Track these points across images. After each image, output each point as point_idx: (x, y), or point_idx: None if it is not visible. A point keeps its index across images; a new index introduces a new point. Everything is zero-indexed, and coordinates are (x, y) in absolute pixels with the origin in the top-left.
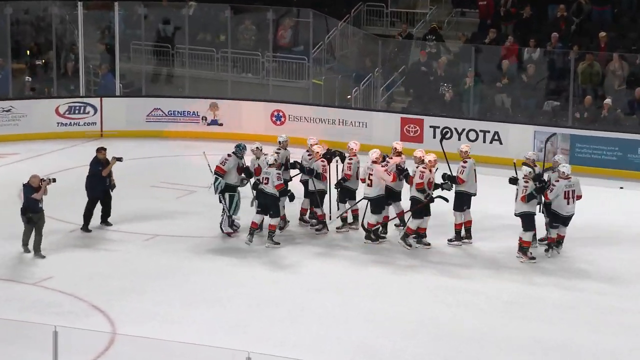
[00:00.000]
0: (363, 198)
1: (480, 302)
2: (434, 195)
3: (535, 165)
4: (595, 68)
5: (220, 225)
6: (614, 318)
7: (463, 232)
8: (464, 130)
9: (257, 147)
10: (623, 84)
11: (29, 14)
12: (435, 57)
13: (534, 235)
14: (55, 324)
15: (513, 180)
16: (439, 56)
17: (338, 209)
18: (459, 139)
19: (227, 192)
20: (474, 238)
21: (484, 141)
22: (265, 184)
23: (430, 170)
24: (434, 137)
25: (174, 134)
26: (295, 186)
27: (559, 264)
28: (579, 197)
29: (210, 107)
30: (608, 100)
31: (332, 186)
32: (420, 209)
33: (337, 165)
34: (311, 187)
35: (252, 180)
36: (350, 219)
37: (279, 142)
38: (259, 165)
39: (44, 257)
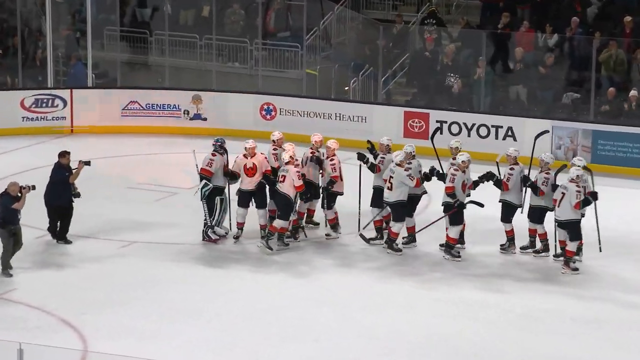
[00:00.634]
0: (384, 203)
1: (491, 315)
2: (465, 202)
3: (517, 164)
4: (620, 56)
5: (205, 232)
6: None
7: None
8: (474, 125)
9: (279, 138)
10: None
11: None
12: (439, 44)
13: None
14: (20, 341)
15: (489, 177)
16: (440, 42)
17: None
18: (469, 135)
19: (217, 195)
20: (476, 244)
21: (497, 137)
22: (282, 182)
23: (463, 172)
24: (441, 133)
25: (152, 129)
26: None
27: (579, 274)
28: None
29: (193, 100)
30: (634, 92)
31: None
32: (458, 214)
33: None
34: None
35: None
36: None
37: (273, 140)
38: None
39: (11, 275)
